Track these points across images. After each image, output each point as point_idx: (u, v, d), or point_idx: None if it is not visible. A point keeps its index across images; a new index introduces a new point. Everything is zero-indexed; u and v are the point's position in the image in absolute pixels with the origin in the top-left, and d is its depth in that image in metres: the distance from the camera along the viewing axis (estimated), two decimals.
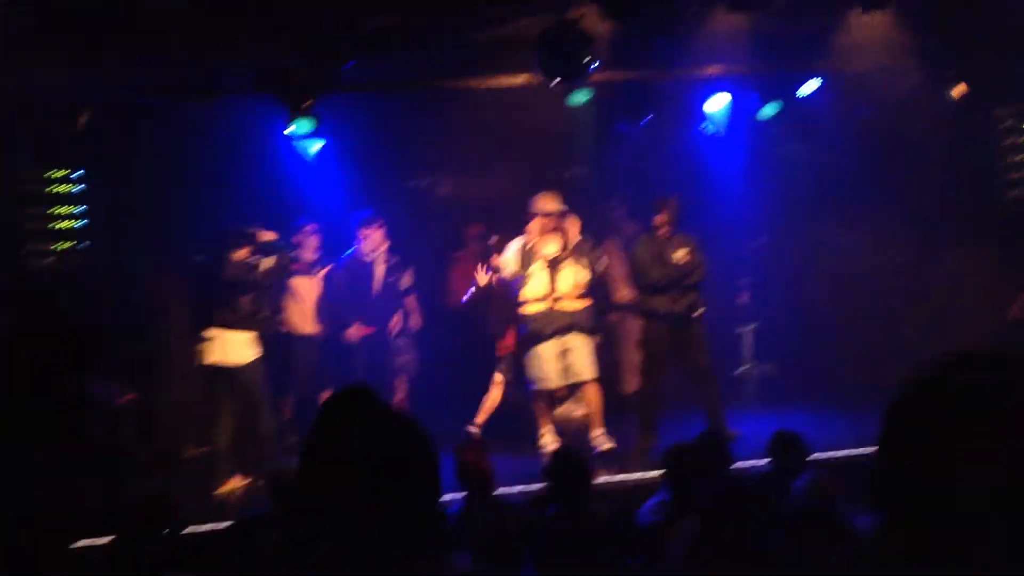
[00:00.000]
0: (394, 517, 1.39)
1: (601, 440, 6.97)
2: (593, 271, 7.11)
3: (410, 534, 1.41)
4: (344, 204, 8.19)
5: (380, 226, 7.84)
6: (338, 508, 1.38)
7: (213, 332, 6.83)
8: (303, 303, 8.03)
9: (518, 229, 7.21)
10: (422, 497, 1.44)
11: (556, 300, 7.02)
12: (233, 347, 6.83)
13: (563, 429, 7.35)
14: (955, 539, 1.09)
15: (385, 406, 1.47)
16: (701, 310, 7.08)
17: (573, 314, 7.01)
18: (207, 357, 6.86)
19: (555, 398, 7.52)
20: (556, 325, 6.95)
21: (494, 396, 7.45)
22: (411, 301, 8.23)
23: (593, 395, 7.07)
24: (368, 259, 7.91)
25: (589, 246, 7.17)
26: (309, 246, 7.98)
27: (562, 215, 7.07)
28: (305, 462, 1.43)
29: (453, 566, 3.81)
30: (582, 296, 7.08)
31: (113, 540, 3.83)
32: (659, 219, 7.01)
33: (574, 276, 7.04)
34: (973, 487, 1.05)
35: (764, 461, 5.15)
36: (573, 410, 8.06)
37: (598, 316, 7.67)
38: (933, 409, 1.12)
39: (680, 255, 6.94)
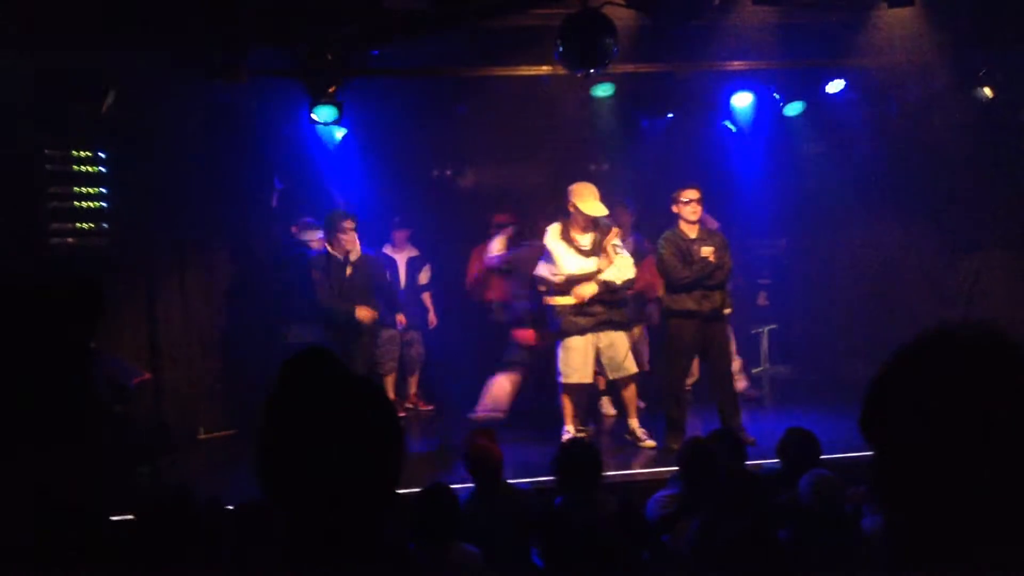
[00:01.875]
0: (352, 480, 1.37)
1: (643, 434, 6.93)
2: (631, 265, 6.84)
3: (367, 497, 1.39)
4: (366, 194, 8.21)
5: (405, 227, 7.98)
6: (297, 467, 1.37)
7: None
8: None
9: (543, 220, 7.11)
10: (382, 460, 1.41)
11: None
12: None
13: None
14: (954, 533, 1.06)
15: (345, 369, 1.44)
16: (729, 310, 6.99)
17: (610, 308, 6.81)
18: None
19: (591, 393, 7.42)
20: (594, 320, 6.76)
21: (506, 386, 7.45)
22: (427, 297, 8.56)
23: (634, 390, 7.00)
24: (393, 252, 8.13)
25: (628, 240, 6.86)
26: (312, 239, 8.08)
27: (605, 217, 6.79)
28: (265, 422, 1.41)
29: (462, 553, 3.83)
30: (618, 291, 6.84)
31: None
32: (685, 204, 6.82)
33: (614, 269, 6.75)
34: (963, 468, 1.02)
35: (776, 460, 5.13)
36: (606, 407, 8.05)
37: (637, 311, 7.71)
38: (913, 393, 1.08)
39: (706, 252, 6.79)
